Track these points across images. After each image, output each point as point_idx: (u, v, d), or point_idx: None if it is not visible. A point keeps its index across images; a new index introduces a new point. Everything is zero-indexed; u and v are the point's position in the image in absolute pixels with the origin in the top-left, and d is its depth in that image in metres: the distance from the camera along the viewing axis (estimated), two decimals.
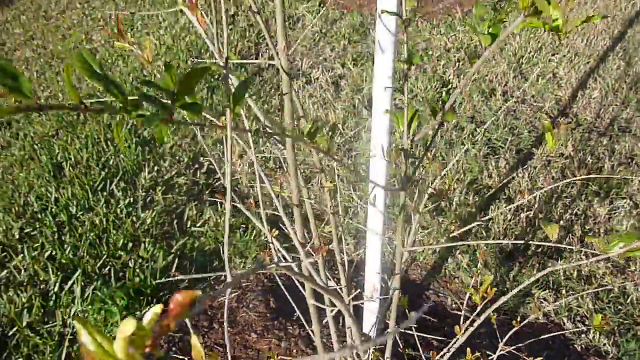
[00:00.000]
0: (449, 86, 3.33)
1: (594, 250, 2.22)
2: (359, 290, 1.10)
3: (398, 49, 1.21)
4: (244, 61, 0.85)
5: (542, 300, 2.07)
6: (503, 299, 1.18)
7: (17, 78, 0.37)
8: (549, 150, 2.76)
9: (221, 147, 2.92)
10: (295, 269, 0.71)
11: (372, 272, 1.10)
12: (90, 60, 0.40)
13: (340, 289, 1.02)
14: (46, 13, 4.53)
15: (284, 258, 0.90)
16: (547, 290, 2.09)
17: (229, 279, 0.46)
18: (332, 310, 0.96)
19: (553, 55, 3.58)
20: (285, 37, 0.62)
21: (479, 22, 0.73)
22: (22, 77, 0.37)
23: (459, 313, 2.03)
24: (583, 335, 1.95)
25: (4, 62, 0.37)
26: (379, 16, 1.25)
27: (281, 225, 0.91)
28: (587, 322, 1.99)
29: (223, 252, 2.28)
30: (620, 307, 2.04)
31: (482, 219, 2.35)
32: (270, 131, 0.73)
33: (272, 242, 0.84)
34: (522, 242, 0.95)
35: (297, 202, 0.78)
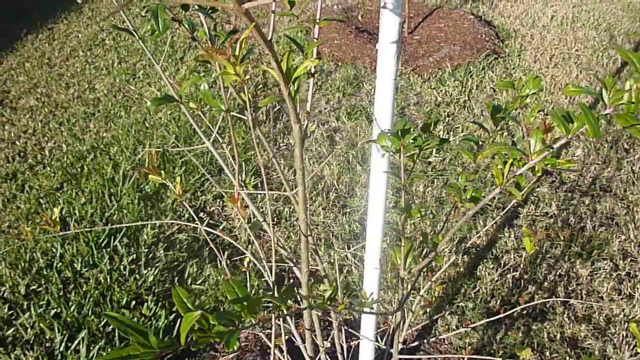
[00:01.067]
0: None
1: (577, 312, 2.35)
2: None
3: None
4: (262, 192, 0.96)
5: None
6: None
7: (147, 336, 0.48)
8: (533, 210, 2.90)
9: (220, 201, 3.04)
10: None
11: None
12: (183, 297, 0.52)
13: None
14: (50, 60, 4.67)
15: None
16: (531, 353, 2.20)
17: None
18: None
19: (538, 112, 3.75)
20: (308, 264, 0.73)
21: (464, 188, 0.85)
22: (150, 335, 0.48)
23: None
24: None
25: (139, 325, 0.49)
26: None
27: (292, 337, 1.02)
28: None
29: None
30: None
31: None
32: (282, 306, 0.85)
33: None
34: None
35: (309, 326, 0.90)
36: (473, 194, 0.84)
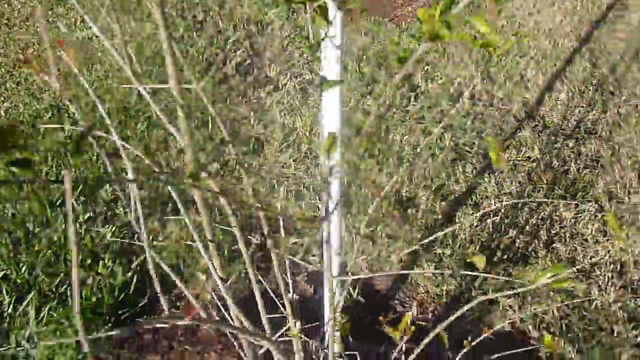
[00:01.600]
0: (417, 91, 3.31)
1: (560, 255, 2.22)
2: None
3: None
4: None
5: (507, 308, 2.06)
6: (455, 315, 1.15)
7: None
8: (515, 154, 2.75)
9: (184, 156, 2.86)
10: None
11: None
12: None
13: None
14: (9, 21, 4.42)
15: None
16: (512, 298, 2.08)
17: None
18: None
19: (521, 57, 3.58)
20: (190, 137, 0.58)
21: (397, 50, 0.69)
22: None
23: (425, 324, 2.01)
24: None
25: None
26: None
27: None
28: (552, 330, 1.98)
29: (185, 267, 2.23)
30: (585, 312, 2.03)
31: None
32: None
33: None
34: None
35: (211, 237, 0.75)
36: (401, 55, 0.68)
